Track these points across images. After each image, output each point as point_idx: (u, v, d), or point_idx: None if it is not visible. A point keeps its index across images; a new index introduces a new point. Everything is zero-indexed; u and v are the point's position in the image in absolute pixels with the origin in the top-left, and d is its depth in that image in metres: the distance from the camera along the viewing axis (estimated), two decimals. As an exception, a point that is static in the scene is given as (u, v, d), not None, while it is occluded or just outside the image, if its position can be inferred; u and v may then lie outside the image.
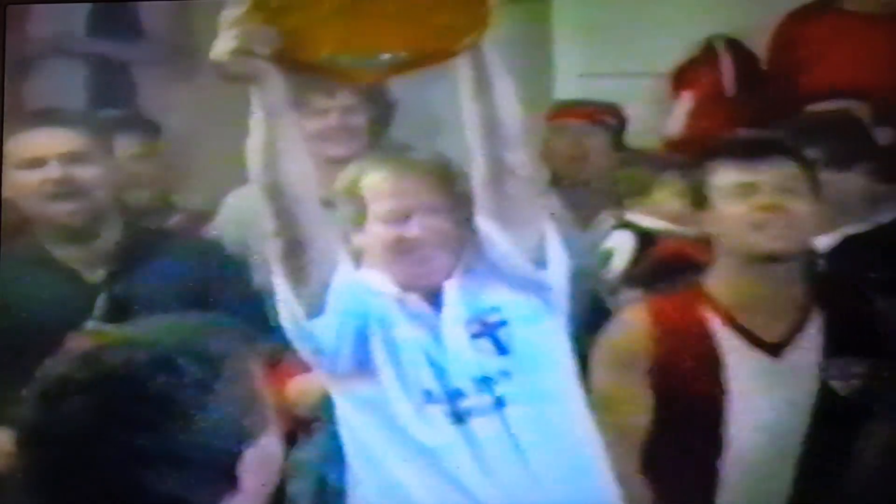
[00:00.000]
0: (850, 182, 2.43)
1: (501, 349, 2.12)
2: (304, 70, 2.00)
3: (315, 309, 2.02)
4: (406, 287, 2.08)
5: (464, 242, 2.08)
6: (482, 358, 2.11)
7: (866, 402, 2.11)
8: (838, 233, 2.39)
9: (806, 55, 2.74)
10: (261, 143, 1.93)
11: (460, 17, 2.00)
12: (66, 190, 2.40)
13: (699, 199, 2.25)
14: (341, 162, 2.52)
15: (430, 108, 2.73)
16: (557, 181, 2.64)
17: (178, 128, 2.87)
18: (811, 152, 2.36)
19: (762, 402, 2.16)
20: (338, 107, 2.62)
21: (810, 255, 2.31)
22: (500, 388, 2.09)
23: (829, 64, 2.68)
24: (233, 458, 1.31)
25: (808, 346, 2.20)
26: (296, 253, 1.96)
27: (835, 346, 2.19)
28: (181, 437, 1.29)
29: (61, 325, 2.22)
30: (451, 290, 2.10)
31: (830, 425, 2.12)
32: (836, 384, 2.15)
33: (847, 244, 2.40)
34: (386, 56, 1.99)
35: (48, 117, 2.48)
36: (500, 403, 2.09)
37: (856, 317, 2.24)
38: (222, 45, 1.88)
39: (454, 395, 2.08)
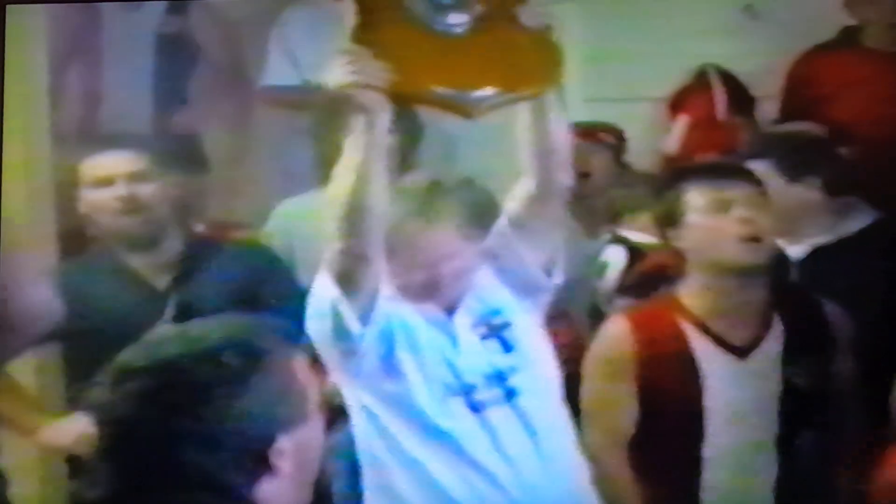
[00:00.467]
0: (813, 195, 2.58)
1: (507, 347, 2.27)
2: (410, 101, 2.21)
3: (365, 317, 2.17)
4: (425, 307, 2.24)
5: (479, 258, 2.24)
6: (492, 356, 2.25)
7: (822, 396, 2.29)
8: (806, 243, 2.56)
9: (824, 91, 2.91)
10: (356, 164, 2.07)
11: (545, 60, 2.19)
12: (131, 206, 2.58)
13: (670, 218, 2.36)
14: None
15: (449, 130, 2.91)
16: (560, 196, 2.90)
17: (224, 144, 3.12)
18: (776, 167, 2.52)
19: (734, 397, 2.30)
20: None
21: (782, 263, 2.46)
22: (510, 382, 2.23)
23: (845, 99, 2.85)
24: (266, 444, 1.39)
25: (771, 349, 2.33)
26: (358, 266, 2.10)
27: (793, 348, 2.32)
28: (218, 422, 1.37)
29: (135, 328, 2.32)
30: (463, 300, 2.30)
31: (794, 417, 2.29)
32: (796, 381, 2.30)
33: (815, 255, 2.56)
34: (483, 92, 2.16)
35: (114, 141, 2.69)
36: (510, 395, 2.24)
37: (809, 322, 2.38)
38: (337, 77, 2.05)
39: (469, 389, 2.23)
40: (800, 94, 2.95)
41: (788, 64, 2.92)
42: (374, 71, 2.01)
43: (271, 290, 2.65)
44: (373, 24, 2.07)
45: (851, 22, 2.96)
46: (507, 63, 2.15)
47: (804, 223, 2.63)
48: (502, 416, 2.22)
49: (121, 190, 2.57)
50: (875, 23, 2.97)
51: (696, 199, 2.32)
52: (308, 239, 2.74)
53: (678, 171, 2.54)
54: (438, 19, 2.10)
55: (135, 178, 2.59)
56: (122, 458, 1.39)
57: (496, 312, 2.25)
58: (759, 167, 2.53)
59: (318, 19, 3.09)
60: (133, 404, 1.38)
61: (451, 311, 2.23)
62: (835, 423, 2.37)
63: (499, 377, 2.23)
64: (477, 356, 2.24)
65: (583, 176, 2.83)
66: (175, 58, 3.21)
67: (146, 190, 2.58)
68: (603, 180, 2.88)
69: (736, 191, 2.32)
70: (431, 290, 2.19)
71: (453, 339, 2.23)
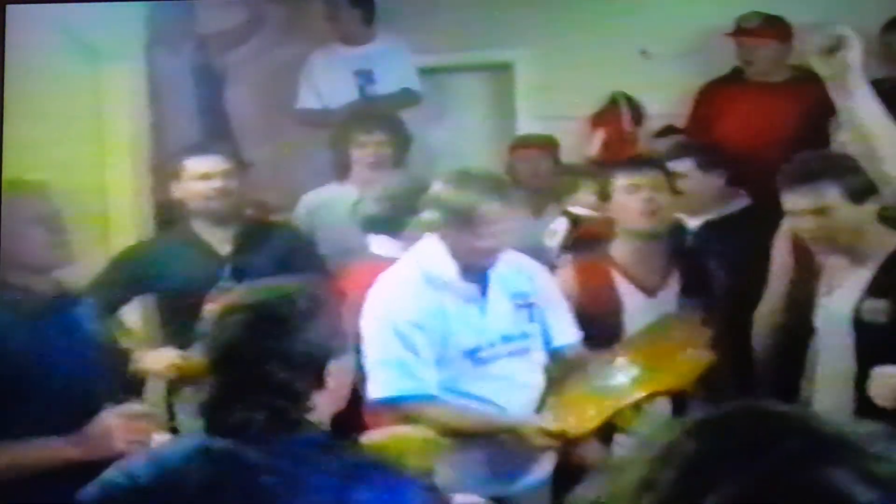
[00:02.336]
0: (710, 183, 3.15)
1: (534, 318, 2.59)
2: None
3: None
4: (465, 268, 2.47)
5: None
6: (516, 323, 2.53)
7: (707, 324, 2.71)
8: (701, 218, 3.11)
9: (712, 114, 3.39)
10: None
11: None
12: (222, 195, 2.97)
13: (605, 195, 2.81)
14: (375, 182, 3.12)
15: (431, 140, 3.58)
16: (518, 187, 3.29)
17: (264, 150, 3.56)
18: (694, 164, 3.06)
19: (644, 322, 2.75)
20: (373, 141, 3.36)
21: (681, 232, 2.93)
22: (520, 344, 2.55)
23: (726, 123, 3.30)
24: (321, 364, 1.64)
25: (671, 291, 2.79)
26: None
27: (685, 291, 2.79)
28: (292, 346, 1.62)
29: (204, 283, 2.79)
30: (494, 278, 2.53)
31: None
32: (688, 312, 2.74)
33: (706, 226, 3.11)
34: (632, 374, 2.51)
35: (204, 146, 3.09)
36: (521, 351, 2.55)
37: (697, 274, 2.84)
38: None
39: (486, 346, 2.50)
40: (699, 115, 3.45)
41: (688, 92, 3.42)
42: None
43: (300, 260, 2.98)
44: None
45: (737, 63, 3.43)
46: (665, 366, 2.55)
47: (704, 204, 3.12)
48: (514, 366, 2.52)
49: (217, 183, 2.97)
50: (759, 61, 3.37)
51: (620, 182, 2.76)
52: (325, 219, 3.34)
53: (613, 163, 2.96)
54: None
55: (225, 175, 2.98)
56: (224, 371, 1.64)
57: (524, 294, 2.57)
58: (680, 165, 2.99)
59: (334, 61, 3.69)
60: (234, 332, 1.63)
61: (483, 288, 2.51)
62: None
63: (516, 338, 2.54)
64: (502, 321, 2.51)
65: (533, 175, 3.43)
66: (209, 86, 3.66)
67: (231, 184, 2.99)
68: (548, 176, 3.43)
69: (645, 178, 2.75)
70: (482, 254, 2.45)
71: (483, 310, 2.51)
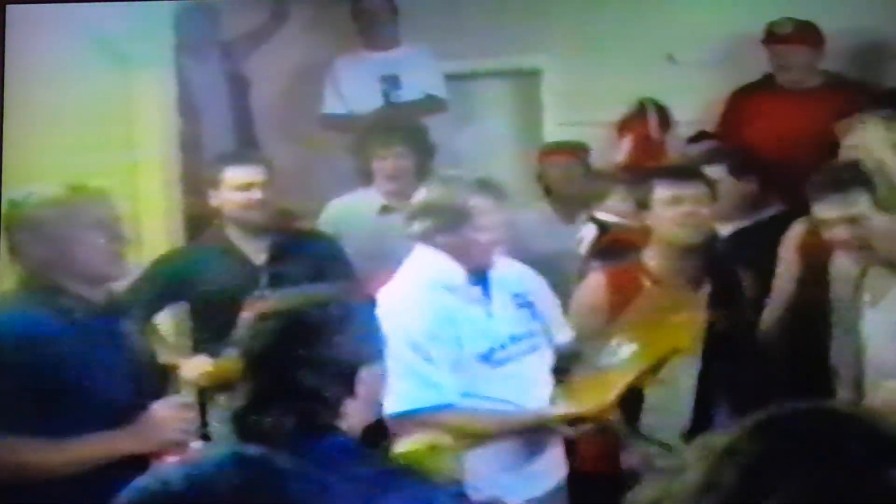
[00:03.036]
0: (743, 189, 3.15)
1: (535, 316, 2.62)
2: None
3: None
4: (469, 270, 2.50)
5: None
6: (521, 322, 2.56)
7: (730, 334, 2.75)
8: (733, 225, 3.12)
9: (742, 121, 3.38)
10: None
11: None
12: (261, 206, 3.00)
13: (643, 204, 2.80)
14: (396, 194, 3.23)
15: (457, 147, 3.55)
16: (549, 193, 3.46)
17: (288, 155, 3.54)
18: (717, 169, 3.03)
19: None
20: (393, 154, 3.34)
21: (713, 239, 2.90)
22: (528, 343, 2.57)
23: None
24: (352, 372, 1.64)
25: (702, 300, 2.77)
26: None
27: (715, 301, 2.78)
28: (324, 353, 1.62)
29: (240, 292, 2.67)
30: (494, 279, 2.56)
31: (715, 346, 2.74)
32: (715, 323, 2.74)
33: (738, 233, 3.12)
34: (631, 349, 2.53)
35: (244, 156, 3.12)
36: (531, 349, 2.57)
37: (728, 284, 2.84)
38: None
39: (498, 349, 2.53)
40: (728, 121, 3.45)
41: (721, 99, 3.42)
42: None
43: (333, 269, 3.00)
44: None
45: (768, 69, 3.39)
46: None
47: (736, 211, 3.14)
48: (523, 365, 2.54)
49: (256, 194, 3.00)
50: (791, 67, 3.38)
51: (661, 193, 2.75)
52: (350, 226, 3.34)
53: (654, 172, 2.94)
54: None
55: (264, 186, 3.01)
56: (257, 377, 1.65)
57: (523, 294, 2.62)
58: (714, 171, 2.99)
59: (359, 66, 3.67)
60: (267, 338, 1.64)
61: (486, 291, 2.55)
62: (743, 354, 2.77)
63: (521, 339, 2.57)
64: (508, 322, 2.55)
65: (564, 182, 3.41)
66: (237, 92, 3.67)
67: (269, 195, 3.02)
68: (578, 182, 3.42)
69: (688, 191, 2.74)
70: (479, 249, 2.49)
71: (489, 312, 2.55)
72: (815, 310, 2.76)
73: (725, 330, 2.76)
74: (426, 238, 2.56)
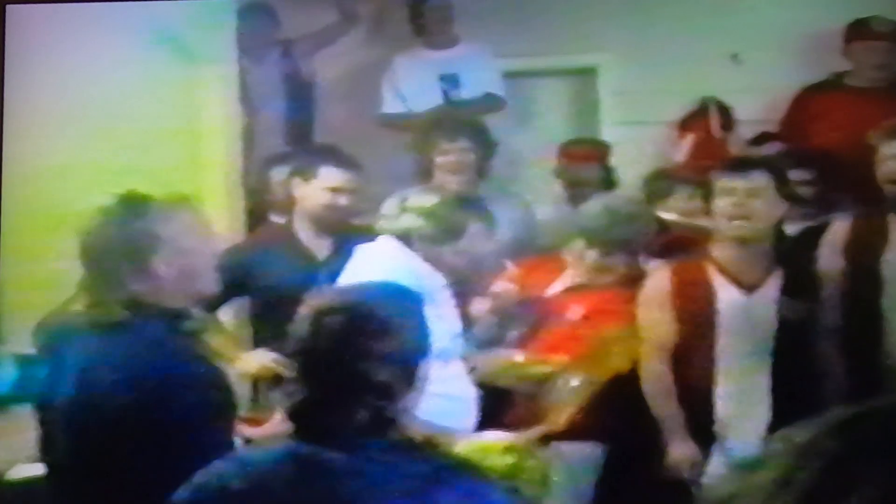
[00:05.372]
0: (809, 190, 3.13)
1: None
2: None
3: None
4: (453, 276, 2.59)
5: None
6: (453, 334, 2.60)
7: (805, 325, 2.77)
8: (800, 225, 3.11)
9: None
10: None
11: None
12: (342, 211, 2.96)
13: (708, 197, 2.84)
14: (458, 188, 3.18)
15: (515, 145, 3.58)
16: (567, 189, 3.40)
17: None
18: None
19: (741, 320, 2.79)
20: (457, 148, 3.32)
21: (780, 236, 2.90)
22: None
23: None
24: (415, 366, 1.66)
25: (771, 290, 2.82)
26: None
27: (786, 289, 2.82)
28: (390, 347, 1.63)
29: (301, 286, 2.49)
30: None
31: (786, 338, 2.77)
32: (785, 312, 2.80)
33: (803, 233, 3.11)
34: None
35: (342, 159, 3.07)
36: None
37: (801, 275, 2.86)
38: None
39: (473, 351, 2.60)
40: (793, 121, 3.41)
41: (785, 98, 3.37)
42: None
43: None
44: None
45: (834, 68, 3.36)
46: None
47: (801, 210, 3.11)
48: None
49: (343, 199, 3.00)
50: (871, 65, 3.36)
51: (719, 185, 2.79)
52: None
53: (720, 164, 2.94)
54: None
55: (352, 192, 3.02)
56: (319, 372, 1.62)
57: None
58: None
59: (418, 65, 3.67)
60: (330, 333, 1.62)
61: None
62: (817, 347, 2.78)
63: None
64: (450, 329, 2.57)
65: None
66: (296, 92, 3.66)
67: (353, 202, 3.03)
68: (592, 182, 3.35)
69: (741, 183, 2.76)
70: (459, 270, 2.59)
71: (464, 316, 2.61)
72: (866, 307, 2.74)
73: (797, 322, 2.79)
74: (411, 234, 2.66)
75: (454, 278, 2.64)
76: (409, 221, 2.64)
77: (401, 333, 1.65)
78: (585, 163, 3.44)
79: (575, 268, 2.91)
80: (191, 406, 1.94)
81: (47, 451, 2.08)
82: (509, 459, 2.46)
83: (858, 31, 3.34)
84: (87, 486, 1.99)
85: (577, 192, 3.36)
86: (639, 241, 2.87)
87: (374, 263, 2.63)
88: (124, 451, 1.93)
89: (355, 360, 1.61)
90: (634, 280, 2.95)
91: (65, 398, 2.00)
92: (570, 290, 2.91)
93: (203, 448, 1.75)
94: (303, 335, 1.65)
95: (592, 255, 2.86)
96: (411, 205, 2.68)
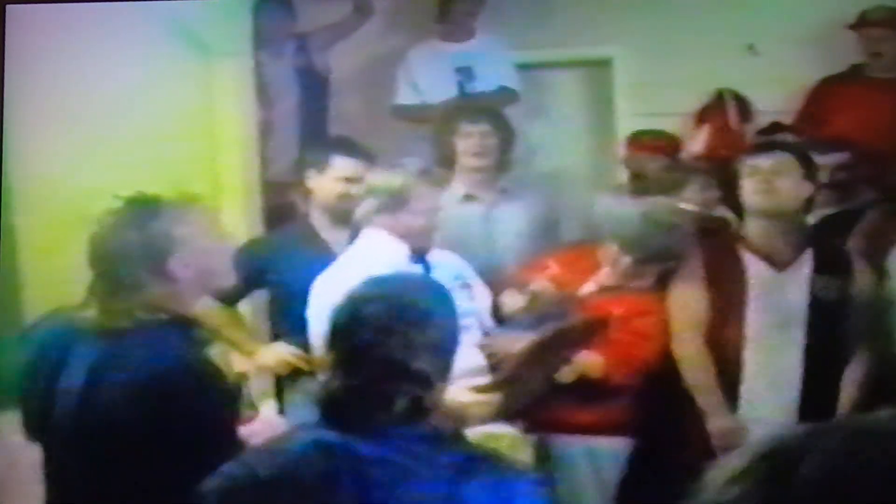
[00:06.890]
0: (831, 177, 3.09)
1: (473, 299, 2.76)
2: None
3: None
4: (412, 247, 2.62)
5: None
6: (461, 300, 2.50)
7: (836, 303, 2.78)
8: (823, 211, 3.10)
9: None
10: None
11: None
12: (356, 200, 2.86)
13: (729, 183, 2.89)
14: (479, 170, 3.22)
15: (530, 137, 3.57)
16: (635, 179, 3.41)
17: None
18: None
19: (773, 296, 2.81)
20: (479, 131, 3.27)
21: (803, 220, 2.91)
22: (467, 320, 2.58)
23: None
24: (452, 356, 1.67)
25: (803, 267, 2.84)
26: None
27: (819, 267, 2.84)
28: (431, 336, 1.64)
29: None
30: (435, 262, 2.68)
31: (818, 316, 2.79)
32: (818, 290, 2.82)
33: (826, 219, 3.11)
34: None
35: (355, 149, 3.02)
36: (466, 328, 2.48)
37: (833, 254, 2.88)
38: None
39: None
40: (810, 112, 3.40)
41: (803, 90, 3.37)
42: None
43: None
44: None
45: (852, 60, 3.35)
46: None
47: (827, 196, 3.12)
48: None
49: (356, 188, 2.92)
50: (884, 54, 3.31)
51: (745, 165, 2.84)
52: None
53: (746, 149, 3.00)
54: None
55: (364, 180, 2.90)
56: (356, 362, 1.63)
57: (463, 276, 2.75)
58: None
59: (434, 57, 3.64)
60: (370, 322, 1.62)
61: (425, 264, 2.67)
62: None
63: (467, 313, 2.60)
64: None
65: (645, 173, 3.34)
66: (311, 85, 3.65)
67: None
68: (657, 172, 3.36)
69: (765, 162, 2.80)
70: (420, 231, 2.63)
71: None
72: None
73: (831, 300, 2.80)
74: (368, 219, 2.70)
75: (419, 241, 2.65)
76: (367, 203, 2.70)
77: (439, 324, 1.66)
78: (652, 154, 3.39)
79: (609, 268, 2.86)
80: (197, 414, 1.91)
81: (49, 467, 2.03)
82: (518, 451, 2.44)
83: (864, 19, 3.36)
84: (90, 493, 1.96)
85: (639, 184, 3.31)
86: (676, 250, 2.83)
87: (373, 253, 2.64)
88: (129, 460, 1.91)
89: (396, 349, 1.61)
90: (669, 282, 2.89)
91: (68, 407, 1.96)
92: (605, 290, 2.86)
93: (209, 456, 1.73)
94: (341, 324, 1.64)
95: (627, 260, 2.81)
96: (369, 184, 2.75)
